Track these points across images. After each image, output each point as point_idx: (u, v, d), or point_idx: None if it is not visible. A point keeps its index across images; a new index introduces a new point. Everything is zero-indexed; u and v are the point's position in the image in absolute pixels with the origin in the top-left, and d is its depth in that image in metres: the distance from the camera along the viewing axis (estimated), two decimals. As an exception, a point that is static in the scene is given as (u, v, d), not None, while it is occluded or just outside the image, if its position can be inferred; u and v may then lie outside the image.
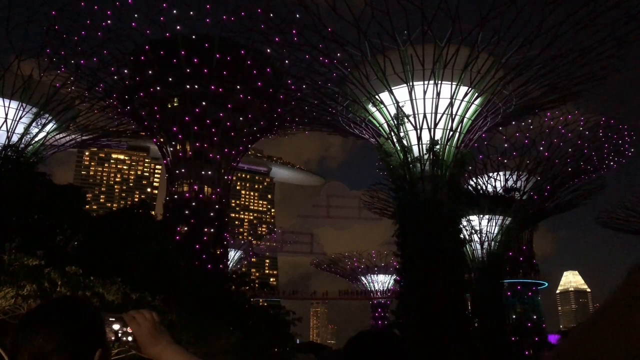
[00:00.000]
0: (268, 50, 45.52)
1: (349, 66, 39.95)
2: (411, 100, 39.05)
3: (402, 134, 39.81)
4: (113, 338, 1.79)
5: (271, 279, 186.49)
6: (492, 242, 52.38)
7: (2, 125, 41.58)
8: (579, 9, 32.89)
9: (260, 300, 74.99)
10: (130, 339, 1.81)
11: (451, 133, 39.49)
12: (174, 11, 45.75)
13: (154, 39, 47.31)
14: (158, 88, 49.13)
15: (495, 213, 52.33)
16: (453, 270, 36.26)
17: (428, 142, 39.20)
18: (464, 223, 43.74)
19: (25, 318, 1.67)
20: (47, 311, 1.67)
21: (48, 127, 43.84)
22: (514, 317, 68.21)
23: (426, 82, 38.27)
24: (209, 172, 53.45)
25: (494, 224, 52.53)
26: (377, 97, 39.56)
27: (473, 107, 39.84)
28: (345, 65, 40.11)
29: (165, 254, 28.91)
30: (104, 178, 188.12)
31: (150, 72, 48.29)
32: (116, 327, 1.80)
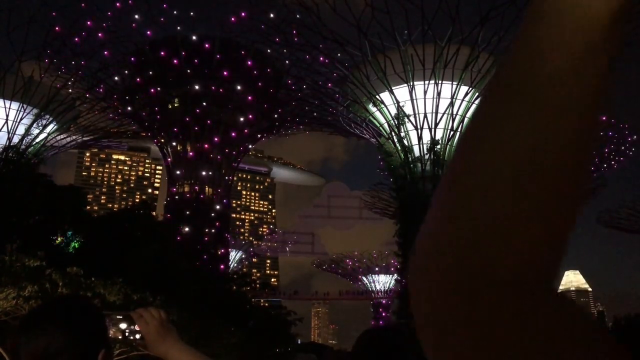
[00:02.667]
0: (268, 51, 45.57)
1: (349, 66, 39.96)
2: (412, 100, 39.05)
3: (402, 134, 39.81)
4: (120, 337, 1.78)
5: (272, 280, 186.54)
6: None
7: (3, 127, 41.62)
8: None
9: (262, 300, 74.98)
10: (137, 337, 1.80)
11: (452, 133, 39.48)
12: (174, 12, 45.84)
13: (155, 39, 47.37)
14: (158, 89, 49.16)
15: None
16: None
17: (429, 142, 39.20)
18: (465, 223, 43.70)
19: (26, 319, 1.65)
20: (50, 311, 1.65)
21: (49, 128, 43.88)
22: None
23: (427, 82, 38.27)
24: (210, 173, 53.50)
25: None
26: (377, 97, 39.55)
27: (474, 107, 39.83)
28: (345, 65, 40.13)
29: (166, 255, 28.91)
30: (105, 179, 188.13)
31: (150, 72, 48.31)
32: (123, 325, 1.79)
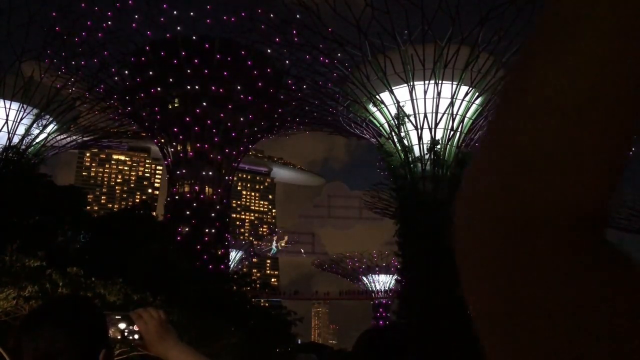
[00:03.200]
0: (268, 51, 45.59)
1: (349, 66, 39.96)
2: (412, 100, 39.04)
3: (403, 134, 39.80)
4: (119, 337, 1.78)
5: (272, 280, 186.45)
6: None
7: (3, 127, 41.62)
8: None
9: (262, 300, 74.98)
10: (136, 337, 1.80)
11: (452, 133, 39.48)
12: (174, 12, 45.86)
13: (155, 39, 47.40)
14: (159, 89, 49.17)
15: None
16: (454, 269, 35.88)
17: (429, 142, 39.19)
18: (465, 223, 43.80)
19: (27, 319, 1.66)
20: (51, 311, 1.65)
21: (49, 129, 43.87)
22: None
23: (427, 82, 38.27)
24: (210, 173, 53.50)
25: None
26: (377, 97, 39.55)
27: (474, 107, 39.83)
28: (345, 65, 40.13)
29: (166, 255, 28.93)
30: (105, 179, 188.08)
31: (150, 72, 48.34)
32: (122, 326, 1.79)
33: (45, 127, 43.24)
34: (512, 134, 0.38)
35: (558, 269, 0.35)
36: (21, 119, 41.98)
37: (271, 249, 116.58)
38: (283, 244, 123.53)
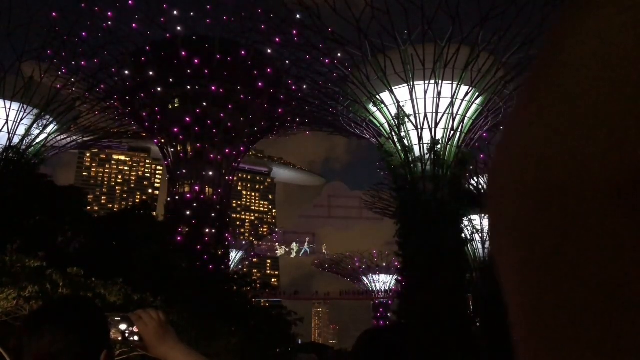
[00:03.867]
0: (268, 51, 45.63)
1: (349, 66, 39.96)
2: (412, 99, 39.05)
3: (403, 134, 39.80)
4: (120, 338, 1.79)
5: (272, 280, 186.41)
6: (494, 242, 52.13)
7: (3, 127, 41.63)
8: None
9: (262, 300, 74.95)
10: (136, 338, 1.81)
11: (452, 132, 39.48)
12: (175, 12, 45.88)
13: (155, 39, 47.42)
14: (159, 89, 49.18)
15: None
16: (454, 270, 36.25)
17: (429, 142, 39.19)
18: (466, 222, 43.72)
19: (29, 319, 1.67)
20: (52, 312, 1.66)
21: (49, 129, 43.87)
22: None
23: (427, 82, 38.27)
24: (210, 173, 53.50)
25: (495, 224, 52.24)
26: (377, 97, 39.55)
27: (474, 107, 39.82)
28: (345, 65, 40.13)
29: (166, 255, 28.93)
30: (105, 179, 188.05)
31: (151, 73, 48.34)
32: (123, 327, 1.80)
33: (45, 127, 43.24)
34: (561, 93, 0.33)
35: (613, 234, 0.31)
36: (21, 119, 41.98)
37: (304, 250, 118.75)
38: (324, 250, 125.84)
